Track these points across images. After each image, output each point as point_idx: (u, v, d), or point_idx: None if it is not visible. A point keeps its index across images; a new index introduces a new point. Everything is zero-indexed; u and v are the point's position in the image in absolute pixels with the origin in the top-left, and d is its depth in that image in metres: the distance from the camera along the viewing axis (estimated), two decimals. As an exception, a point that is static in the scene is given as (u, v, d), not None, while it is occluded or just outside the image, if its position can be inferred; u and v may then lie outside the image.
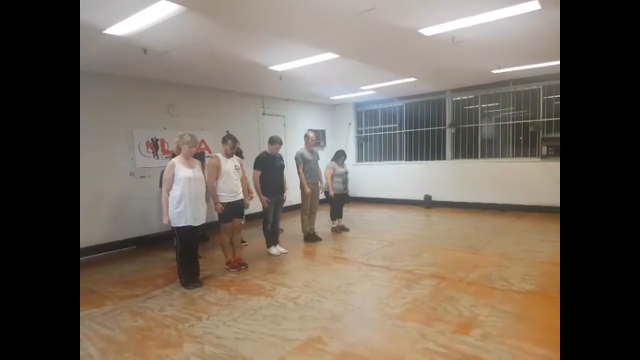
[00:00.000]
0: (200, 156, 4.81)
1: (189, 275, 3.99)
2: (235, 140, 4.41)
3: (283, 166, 5.18)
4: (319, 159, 5.93)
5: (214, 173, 4.26)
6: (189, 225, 3.83)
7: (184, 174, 3.78)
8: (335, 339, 2.75)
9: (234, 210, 4.40)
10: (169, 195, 3.78)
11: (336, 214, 6.37)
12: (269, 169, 4.93)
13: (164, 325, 3.11)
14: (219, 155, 4.37)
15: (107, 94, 5.63)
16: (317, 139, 5.84)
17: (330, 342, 2.71)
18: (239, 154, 4.89)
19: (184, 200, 3.76)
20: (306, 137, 5.77)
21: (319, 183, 5.89)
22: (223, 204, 4.30)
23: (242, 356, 2.56)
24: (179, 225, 3.80)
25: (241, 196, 4.48)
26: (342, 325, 3.00)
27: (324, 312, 3.23)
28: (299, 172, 5.57)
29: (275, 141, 4.98)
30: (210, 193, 4.27)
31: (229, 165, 4.36)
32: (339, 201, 6.32)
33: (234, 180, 4.38)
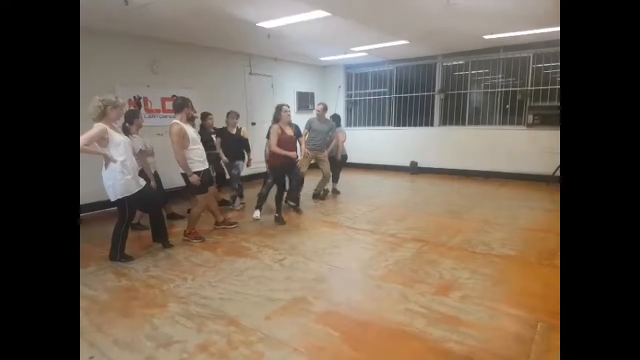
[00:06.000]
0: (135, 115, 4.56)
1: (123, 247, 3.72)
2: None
3: (297, 135, 5.31)
4: (330, 129, 6.03)
5: (182, 142, 3.82)
6: (137, 191, 3.59)
7: (122, 137, 3.48)
8: (320, 299, 2.81)
9: (209, 178, 4.22)
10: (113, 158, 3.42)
11: (335, 177, 6.56)
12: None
13: (149, 286, 3.12)
14: (179, 121, 3.88)
15: (86, 48, 5.26)
16: (322, 110, 6.05)
17: (315, 301, 2.77)
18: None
19: (128, 166, 3.48)
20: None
21: (324, 150, 6.03)
22: (198, 173, 3.96)
23: (227, 316, 2.60)
24: (132, 193, 3.51)
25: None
26: (327, 286, 3.06)
27: (309, 273, 3.28)
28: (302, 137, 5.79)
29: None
30: (182, 166, 3.89)
31: (191, 130, 3.99)
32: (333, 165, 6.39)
33: (200, 145, 4.09)
